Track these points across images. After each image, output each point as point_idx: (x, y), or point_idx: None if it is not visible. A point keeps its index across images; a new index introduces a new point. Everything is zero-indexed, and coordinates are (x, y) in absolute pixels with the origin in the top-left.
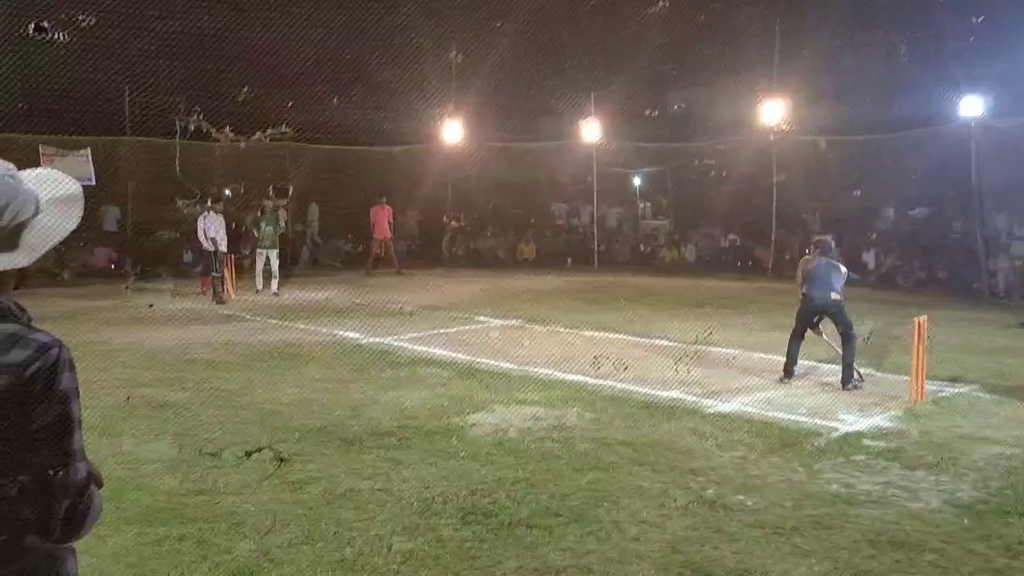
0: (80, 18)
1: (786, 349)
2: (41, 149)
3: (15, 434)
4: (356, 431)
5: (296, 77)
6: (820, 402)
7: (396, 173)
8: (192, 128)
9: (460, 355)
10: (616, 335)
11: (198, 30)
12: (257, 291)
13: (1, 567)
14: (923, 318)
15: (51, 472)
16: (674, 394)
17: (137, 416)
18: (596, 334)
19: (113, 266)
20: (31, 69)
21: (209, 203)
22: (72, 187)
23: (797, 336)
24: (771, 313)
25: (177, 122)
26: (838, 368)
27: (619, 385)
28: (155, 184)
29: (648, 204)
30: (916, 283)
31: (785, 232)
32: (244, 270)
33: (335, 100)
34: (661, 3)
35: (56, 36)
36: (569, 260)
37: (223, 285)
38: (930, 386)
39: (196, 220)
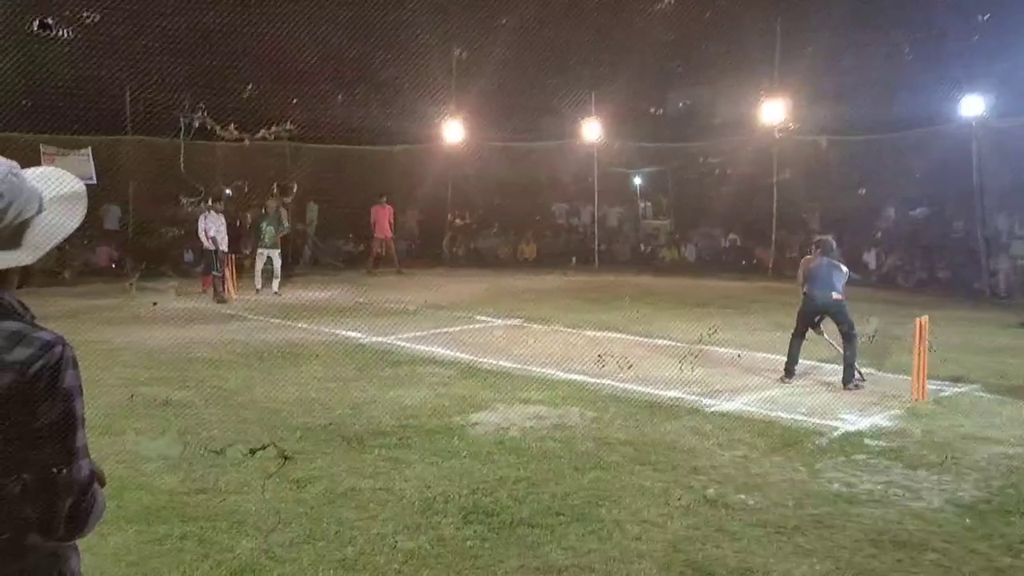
0: (85, 14)
1: (787, 349)
2: (42, 148)
3: (18, 432)
4: (357, 430)
5: (298, 75)
6: (821, 401)
7: (396, 172)
8: (197, 125)
9: (461, 354)
10: (618, 335)
11: (202, 26)
12: (257, 290)
13: (4, 565)
14: (924, 318)
15: (54, 470)
16: (675, 393)
17: (138, 415)
18: (597, 333)
19: (114, 265)
20: (35, 66)
21: (210, 202)
22: (75, 185)
23: (798, 336)
24: (772, 313)
25: (181, 119)
26: (839, 368)
27: (620, 384)
28: (157, 183)
29: (649, 204)
30: (917, 283)
31: (786, 232)
32: (245, 270)
33: (339, 97)
34: (663, 2)
35: (60, 33)
36: (574, 259)
37: (224, 284)
38: (931, 385)
39: (198, 219)
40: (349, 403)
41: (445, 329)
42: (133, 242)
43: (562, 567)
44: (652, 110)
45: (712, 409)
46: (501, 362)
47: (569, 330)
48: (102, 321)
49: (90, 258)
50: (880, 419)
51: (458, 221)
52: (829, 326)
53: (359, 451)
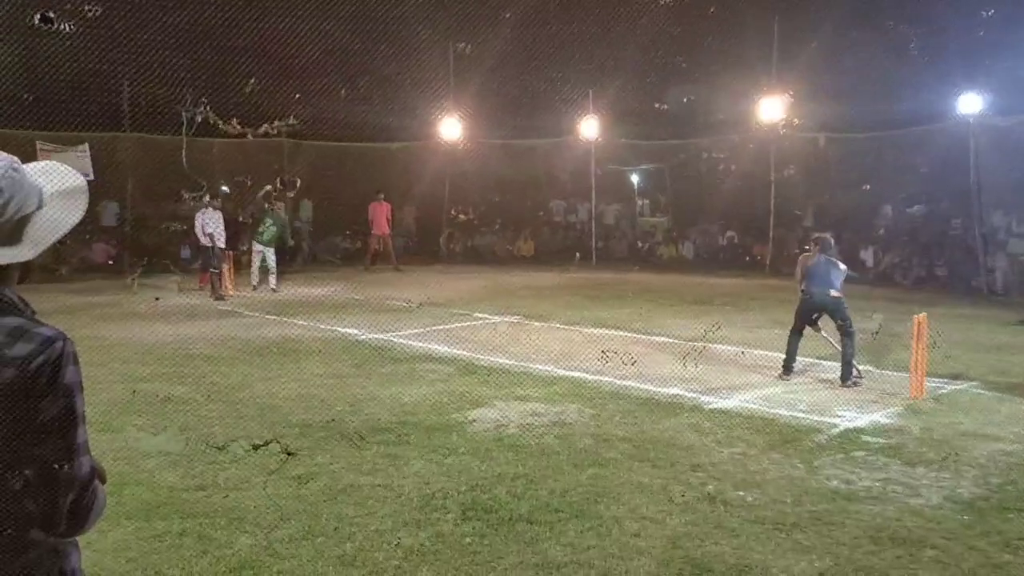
0: (86, 8)
1: (786, 346)
2: (39, 145)
3: (20, 428)
4: (356, 427)
5: (297, 72)
6: (820, 398)
7: (394, 169)
8: (199, 120)
9: (459, 351)
10: (616, 332)
11: (203, 20)
12: (254, 287)
13: (7, 561)
14: (923, 315)
15: (56, 466)
16: (674, 390)
17: (136, 411)
18: (595, 330)
19: (111, 262)
20: (35, 60)
21: (207, 199)
22: (76, 180)
23: (796, 333)
24: (771, 310)
25: (184, 113)
26: (837, 365)
27: (619, 381)
28: (155, 179)
29: (646, 201)
30: (915, 280)
31: (784, 229)
32: (242, 266)
33: (338, 94)
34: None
35: (61, 27)
36: (577, 255)
37: (221, 281)
38: (930, 383)
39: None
40: (348, 400)
41: (443, 326)
42: (131, 238)
43: (561, 563)
44: (656, 105)
45: (711, 406)
46: (499, 359)
47: (567, 327)
48: (99, 317)
49: (87, 254)
50: (879, 416)
51: (461, 217)
52: (827, 323)
53: (358, 448)
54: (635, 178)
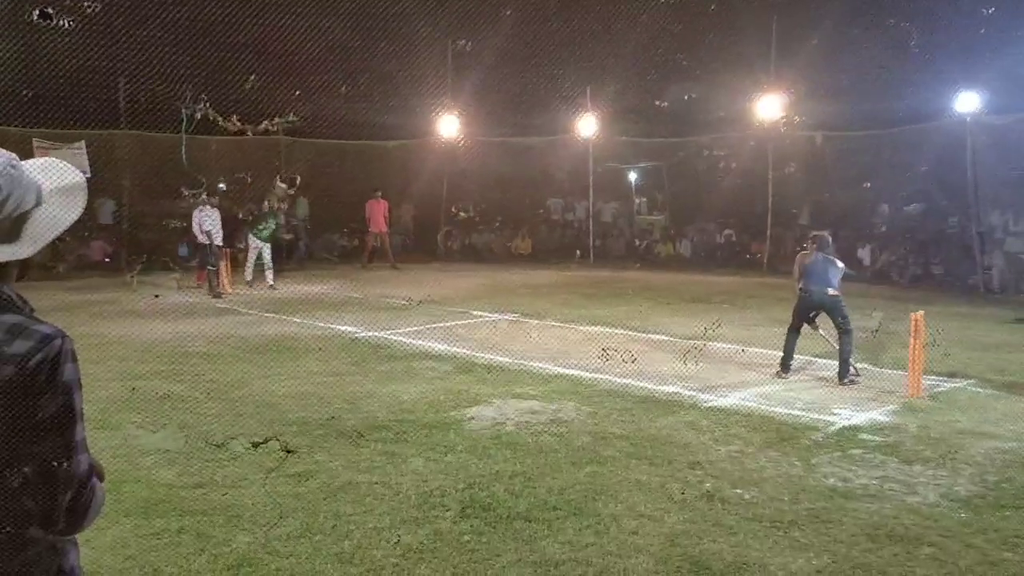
0: (85, 3)
1: (783, 344)
2: (35, 143)
3: (18, 425)
4: (354, 424)
5: (295, 69)
6: (817, 397)
7: (392, 167)
8: (199, 116)
9: (457, 349)
10: (613, 330)
11: (202, 17)
12: (248, 283)
13: (5, 559)
14: (920, 313)
15: (54, 464)
16: (671, 388)
17: (134, 409)
18: (592, 328)
19: (107, 259)
20: (34, 56)
21: (204, 196)
22: (75, 177)
23: (794, 331)
24: (768, 308)
25: (183, 110)
26: (834, 363)
27: (616, 379)
28: (152, 176)
29: (644, 199)
30: (911, 279)
31: (781, 228)
32: (239, 264)
33: (335, 91)
34: None
35: (60, 23)
36: (578, 252)
37: (219, 279)
38: (927, 381)
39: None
40: (345, 397)
41: (441, 324)
42: (128, 236)
43: (559, 561)
44: (657, 102)
45: (708, 404)
46: (497, 357)
47: (565, 325)
48: (96, 315)
49: (85, 252)
50: (876, 414)
51: (462, 214)
52: (825, 321)
53: (356, 445)
54: (633, 176)
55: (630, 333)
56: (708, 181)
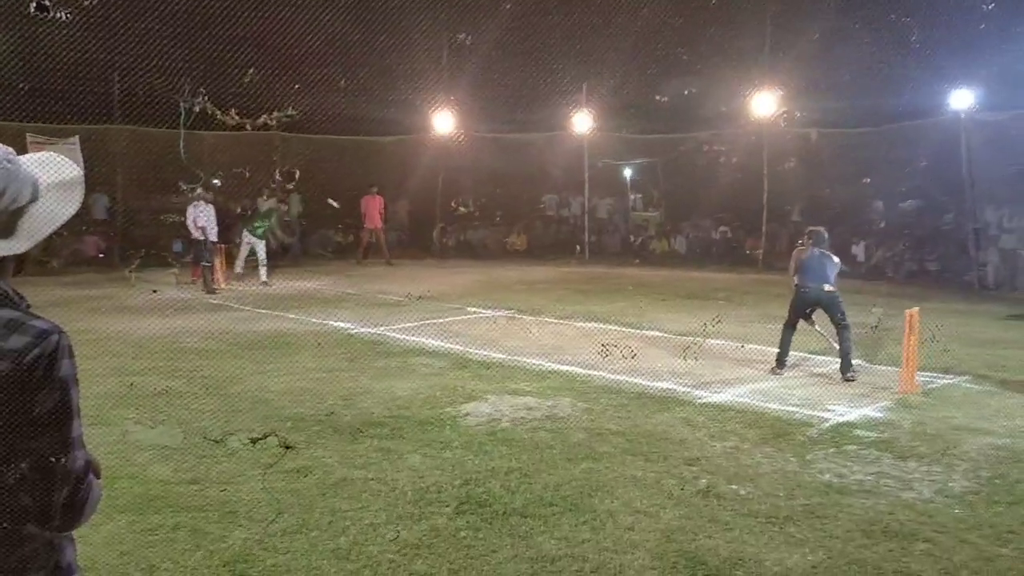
0: None
1: (779, 340)
2: (29, 138)
3: (15, 421)
4: (349, 421)
5: (291, 63)
6: (812, 393)
7: (387, 163)
8: (197, 110)
9: (452, 345)
10: (608, 326)
11: (200, 10)
12: (239, 274)
13: (1, 555)
14: (915, 310)
15: (51, 460)
16: (667, 384)
17: (130, 405)
18: (588, 325)
19: (101, 255)
20: (30, 49)
21: (199, 191)
22: (72, 171)
23: (789, 327)
24: (763, 304)
25: (182, 104)
26: (830, 359)
27: (612, 376)
28: (146, 171)
29: (639, 196)
30: (906, 275)
31: (777, 224)
32: (234, 259)
33: (332, 87)
34: None
35: (58, 15)
36: (578, 248)
37: (213, 275)
38: (922, 377)
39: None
40: (341, 394)
41: (436, 320)
42: (122, 231)
43: (555, 557)
44: (657, 97)
45: (704, 400)
46: (492, 353)
47: (560, 321)
48: (91, 310)
49: (78, 247)
50: (871, 410)
51: (461, 209)
52: (820, 317)
53: (351, 442)
54: (628, 172)
55: (625, 329)
56: (704, 177)
